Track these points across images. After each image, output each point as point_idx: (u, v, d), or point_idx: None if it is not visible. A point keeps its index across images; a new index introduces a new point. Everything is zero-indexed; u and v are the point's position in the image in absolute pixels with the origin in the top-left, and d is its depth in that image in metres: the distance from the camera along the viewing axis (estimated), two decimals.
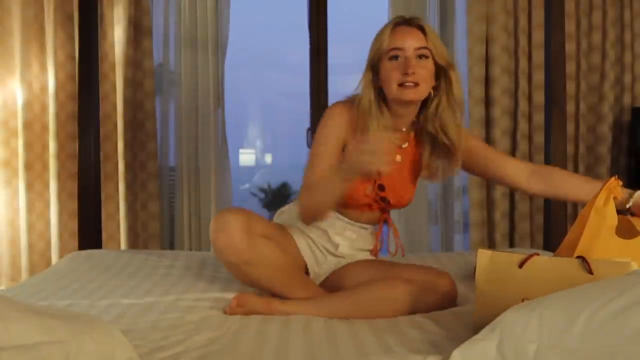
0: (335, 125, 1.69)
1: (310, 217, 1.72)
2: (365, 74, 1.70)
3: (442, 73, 1.68)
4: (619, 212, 1.44)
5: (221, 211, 1.62)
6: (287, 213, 1.86)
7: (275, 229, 1.75)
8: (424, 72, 1.64)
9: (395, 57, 1.63)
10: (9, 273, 2.99)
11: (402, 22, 1.66)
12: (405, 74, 1.61)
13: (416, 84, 1.63)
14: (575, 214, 3.29)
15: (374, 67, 1.69)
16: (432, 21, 3.31)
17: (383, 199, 1.77)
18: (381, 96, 1.70)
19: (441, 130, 1.71)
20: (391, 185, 1.75)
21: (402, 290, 1.61)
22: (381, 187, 1.75)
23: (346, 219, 1.79)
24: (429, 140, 1.77)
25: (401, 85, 1.62)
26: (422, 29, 1.65)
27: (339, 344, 1.34)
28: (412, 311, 1.61)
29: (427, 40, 1.64)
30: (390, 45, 1.64)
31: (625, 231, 1.43)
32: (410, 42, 1.63)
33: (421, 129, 1.77)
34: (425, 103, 1.72)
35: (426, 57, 1.64)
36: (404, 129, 1.76)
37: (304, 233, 1.78)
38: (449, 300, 1.66)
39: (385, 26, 1.67)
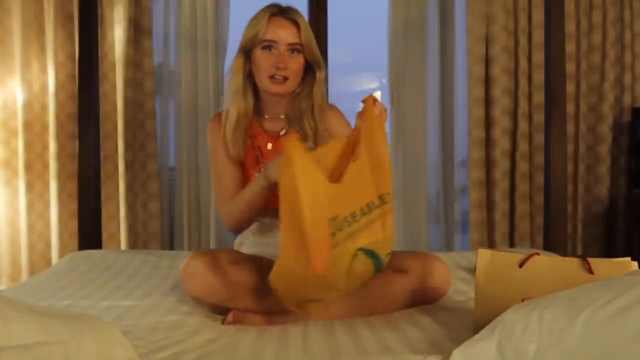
0: (214, 141, 1.76)
1: (239, 227, 1.75)
2: (237, 58, 1.70)
3: (310, 67, 1.72)
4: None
5: (185, 259, 1.57)
6: (247, 245, 1.80)
7: (246, 256, 1.68)
8: (295, 67, 1.67)
9: (269, 48, 1.65)
10: (9, 273, 3.00)
11: (279, 13, 1.67)
12: (277, 67, 1.63)
13: (286, 78, 1.65)
14: (575, 213, 3.30)
15: (246, 52, 1.69)
16: (432, 21, 3.31)
17: None
18: (250, 81, 1.71)
19: (298, 120, 1.73)
20: None
21: (401, 283, 1.62)
22: None
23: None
24: None
25: (272, 77, 1.65)
26: (297, 24, 1.66)
27: (339, 343, 1.34)
28: (413, 303, 1.62)
29: (300, 36, 1.66)
30: (266, 37, 1.65)
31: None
32: (285, 36, 1.65)
33: None
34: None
35: (298, 51, 1.66)
36: (283, 116, 1.77)
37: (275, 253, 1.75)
38: (444, 283, 1.67)
39: (262, 14, 1.67)
